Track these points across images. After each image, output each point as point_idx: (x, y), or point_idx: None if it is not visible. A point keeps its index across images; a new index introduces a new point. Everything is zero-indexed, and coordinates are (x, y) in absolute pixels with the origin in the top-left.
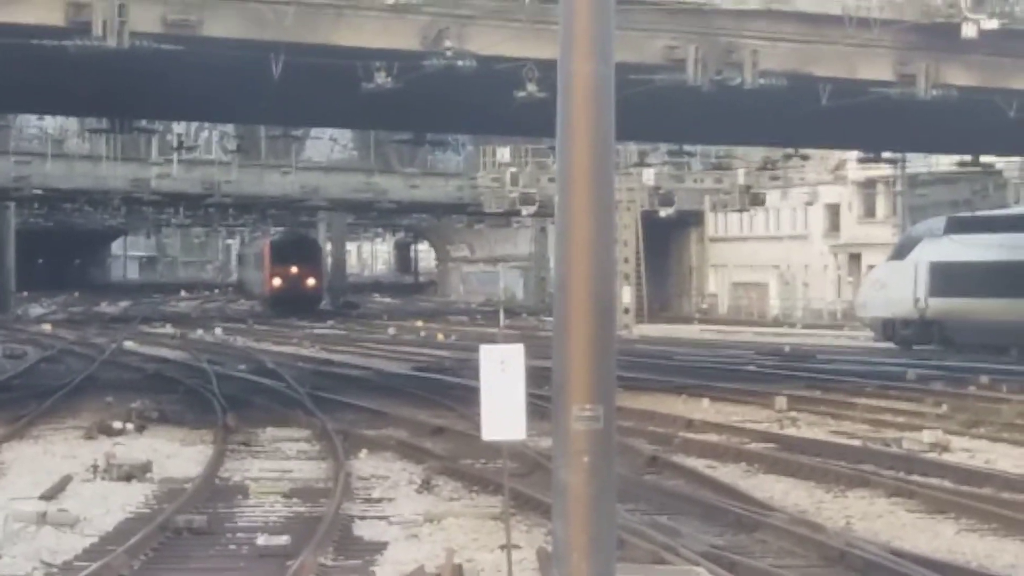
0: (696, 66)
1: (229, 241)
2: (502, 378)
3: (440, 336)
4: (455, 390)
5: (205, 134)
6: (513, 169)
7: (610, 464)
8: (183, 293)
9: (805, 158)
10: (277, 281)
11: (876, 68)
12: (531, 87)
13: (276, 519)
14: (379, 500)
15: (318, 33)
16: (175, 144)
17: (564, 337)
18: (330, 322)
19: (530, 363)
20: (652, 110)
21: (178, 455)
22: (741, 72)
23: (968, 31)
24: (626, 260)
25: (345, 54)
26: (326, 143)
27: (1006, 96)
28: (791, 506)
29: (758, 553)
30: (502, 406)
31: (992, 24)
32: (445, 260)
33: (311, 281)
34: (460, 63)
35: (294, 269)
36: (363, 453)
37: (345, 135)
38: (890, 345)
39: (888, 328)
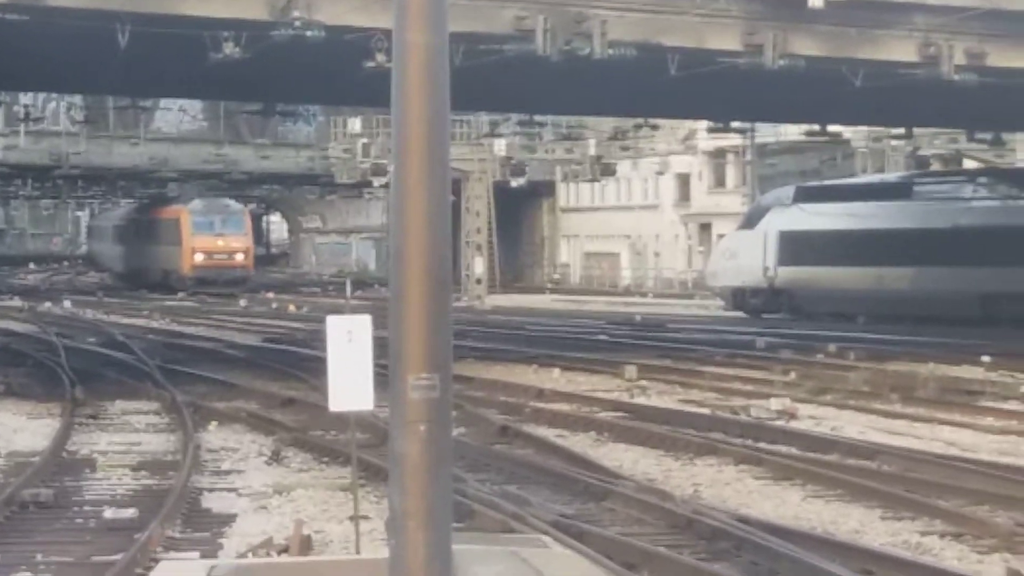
0: (545, 36)
1: (79, 213)
2: (349, 349)
3: (292, 307)
4: (306, 361)
5: (52, 105)
6: (364, 140)
7: (447, 433)
8: (32, 266)
9: (655, 128)
10: (199, 257)
11: (724, 38)
12: (380, 57)
13: (124, 492)
14: (228, 472)
15: (164, 3)
16: (22, 115)
17: (400, 307)
18: (181, 294)
19: (380, 334)
20: (503, 80)
21: (25, 429)
22: (590, 42)
23: (814, 2)
24: (478, 231)
25: (192, 24)
26: (175, 114)
27: (852, 66)
28: (640, 474)
29: (606, 521)
30: (349, 377)
31: None
32: (297, 231)
33: (240, 257)
34: (309, 33)
35: (220, 242)
36: (213, 425)
37: (195, 106)
38: (740, 314)
39: (738, 297)
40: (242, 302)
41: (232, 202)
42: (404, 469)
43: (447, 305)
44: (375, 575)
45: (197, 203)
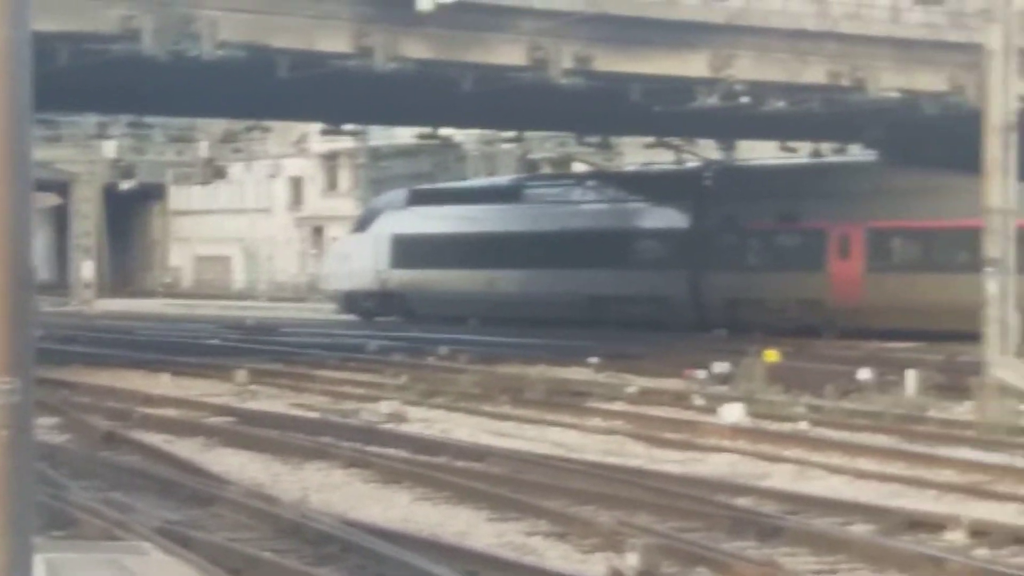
0: (153, 37)
1: None
2: None
3: None
4: None
5: None
6: None
7: (29, 439)
8: None
9: (267, 130)
10: None
11: (334, 40)
12: None
13: None
14: None
15: None
16: None
17: None
18: None
19: None
20: (110, 81)
21: None
22: (199, 43)
23: (423, 4)
24: (87, 234)
25: None
26: None
27: (462, 69)
28: (248, 479)
29: (212, 527)
30: None
31: None
32: None
33: None
34: None
35: None
36: None
37: None
38: (353, 317)
39: (351, 300)
40: None
41: None
42: None
43: (29, 306)
44: None
45: None
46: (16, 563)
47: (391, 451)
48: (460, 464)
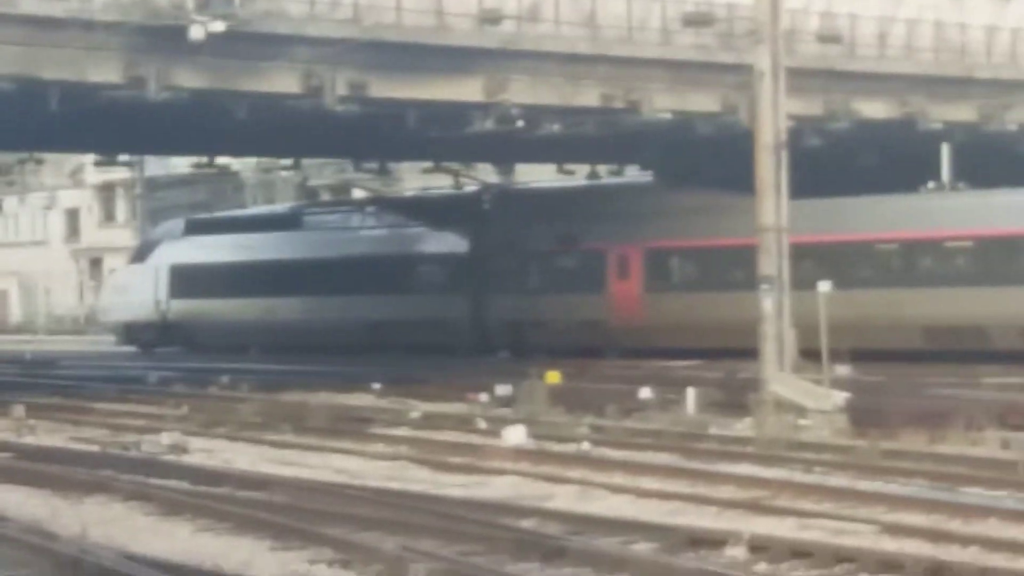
0: None
1: None
2: None
3: None
4: None
5: None
6: None
7: None
8: None
9: (41, 162)
10: None
11: (105, 71)
12: None
13: None
14: None
15: None
16: None
17: None
18: None
19: None
20: None
21: None
22: None
23: (195, 33)
24: None
25: None
26: None
27: (236, 98)
28: (26, 515)
29: None
30: None
31: (219, 26)
32: None
33: None
34: None
35: None
36: None
37: None
38: (133, 349)
39: (130, 332)
40: None
41: None
42: None
43: None
44: None
45: None
46: None
47: (172, 483)
48: (242, 494)
